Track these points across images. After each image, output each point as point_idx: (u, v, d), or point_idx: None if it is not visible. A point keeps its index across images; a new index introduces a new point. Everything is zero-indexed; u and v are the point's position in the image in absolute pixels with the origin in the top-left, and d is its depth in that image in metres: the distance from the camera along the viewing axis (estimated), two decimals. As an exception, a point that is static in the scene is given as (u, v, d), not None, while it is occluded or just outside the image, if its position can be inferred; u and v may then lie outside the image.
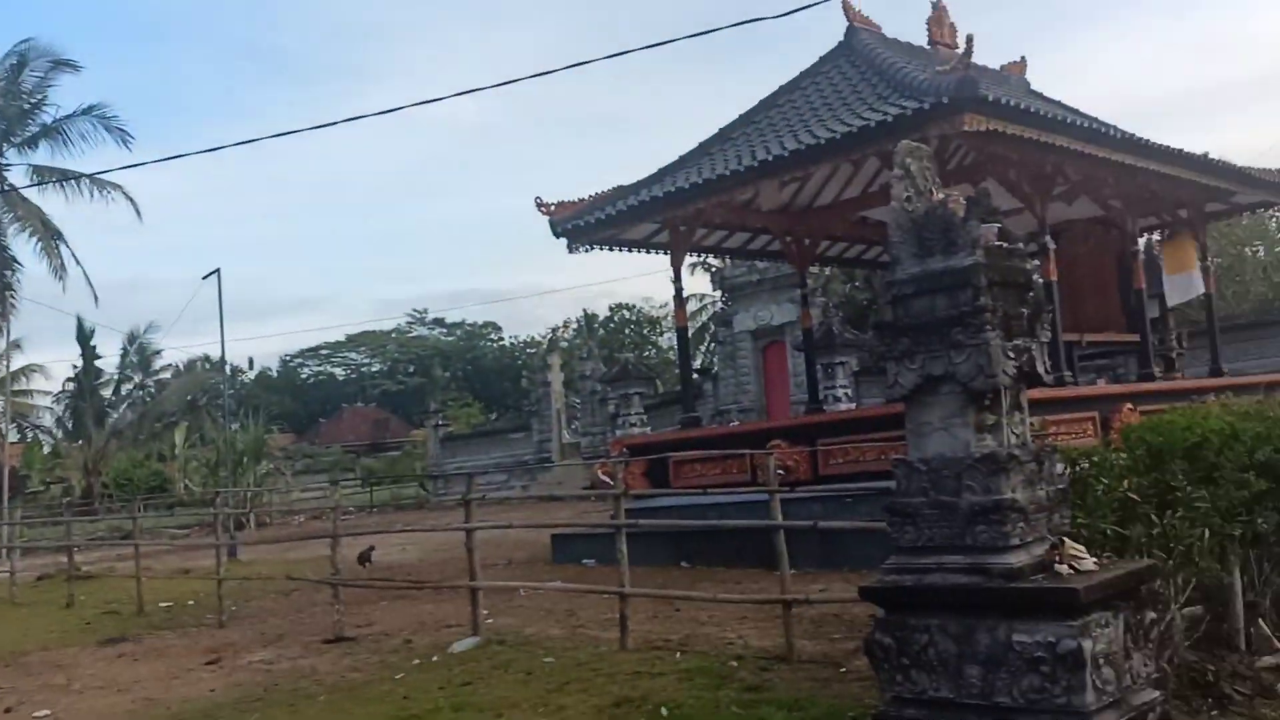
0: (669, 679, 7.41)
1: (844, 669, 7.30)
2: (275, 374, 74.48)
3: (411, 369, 72.38)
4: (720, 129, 16.10)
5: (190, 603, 14.11)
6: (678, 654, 8.22)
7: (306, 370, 77.60)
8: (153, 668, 9.93)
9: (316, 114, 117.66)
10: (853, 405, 25.73)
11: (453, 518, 24.97)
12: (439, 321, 77.83)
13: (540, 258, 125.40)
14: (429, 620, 11.18)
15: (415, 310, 78.33)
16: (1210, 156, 15.74)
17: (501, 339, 77.86)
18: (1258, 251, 33.83)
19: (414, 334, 76.92)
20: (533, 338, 73.69)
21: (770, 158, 13.42)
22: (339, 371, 77.53)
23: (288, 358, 76.33)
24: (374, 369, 75.70)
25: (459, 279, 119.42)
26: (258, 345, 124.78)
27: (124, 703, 8.53)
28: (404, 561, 16.84)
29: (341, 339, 75.64)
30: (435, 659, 9.03)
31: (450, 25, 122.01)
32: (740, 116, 16.12)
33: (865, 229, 18.25)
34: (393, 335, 75.73)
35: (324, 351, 76.44)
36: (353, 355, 76.87)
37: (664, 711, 6.55)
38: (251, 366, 59.05)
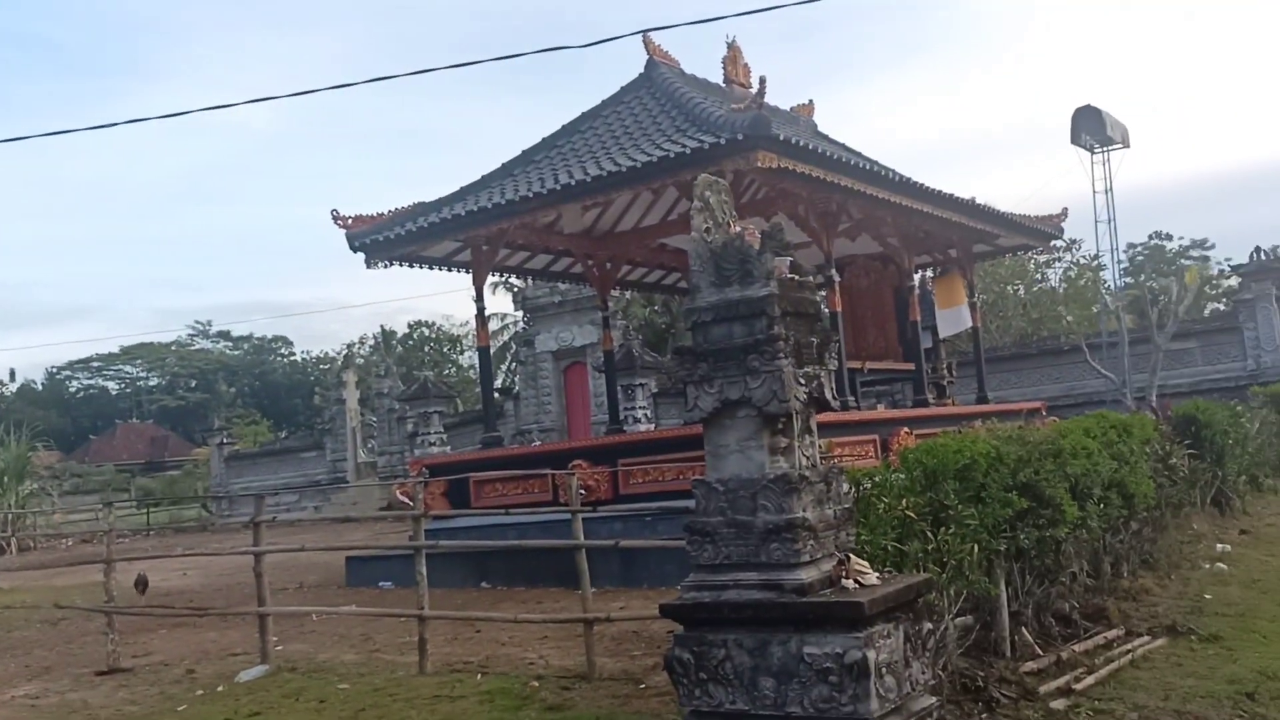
0: (470, 702, 7.40)
1: (644, 685, 7.49)
2: (40, 387, 68.76)
3: (194, 383, 68.55)
4: (523, 151, 16.22)
5: (-60, 635, 12.84)
6: (478, 675, 8.21)
7: (75, 383, 72.16)
8: (-107, 709, 9.01)
9: (88, 109, 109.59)
10: (652, 426, 26.33)
11: (239, 540, 23.82)
12: (224, 335, 74.30)
13: (335, 271, 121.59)
14: (213, 649, 10.66)
15: (199, 322, 74.47)
16: (977, 201, 17.15)
17: (293, 354, 75.05)
18: (1018, 290, 37.00)
19: (197, 347, 73.00)
20: (326, 353, 71.37)
21: (573, 182, 13.63)
22: (112, 385, 72.49)
23: (54, 370, 70.80)
24: (152, 383, 71.21)
25: (247, 290, 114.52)
26: (20, 356, 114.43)
27: None
28: (185, 587, 15.94)
29: (116, 350, 70.78)
30: (220, 689, 8.64)
31: (239, 26, 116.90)
32: (543, 140, 16.29)
33: (664, 255, 18.78)
34: (173, 348, 71.56)
35: (96, 364, 71.28)
36: (128, 368, 72.08)
37: (465, 735, 6.54)
38: (13, 378, 54.30)
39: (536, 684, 7.75)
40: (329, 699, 7.87)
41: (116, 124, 12.72)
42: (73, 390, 71.78)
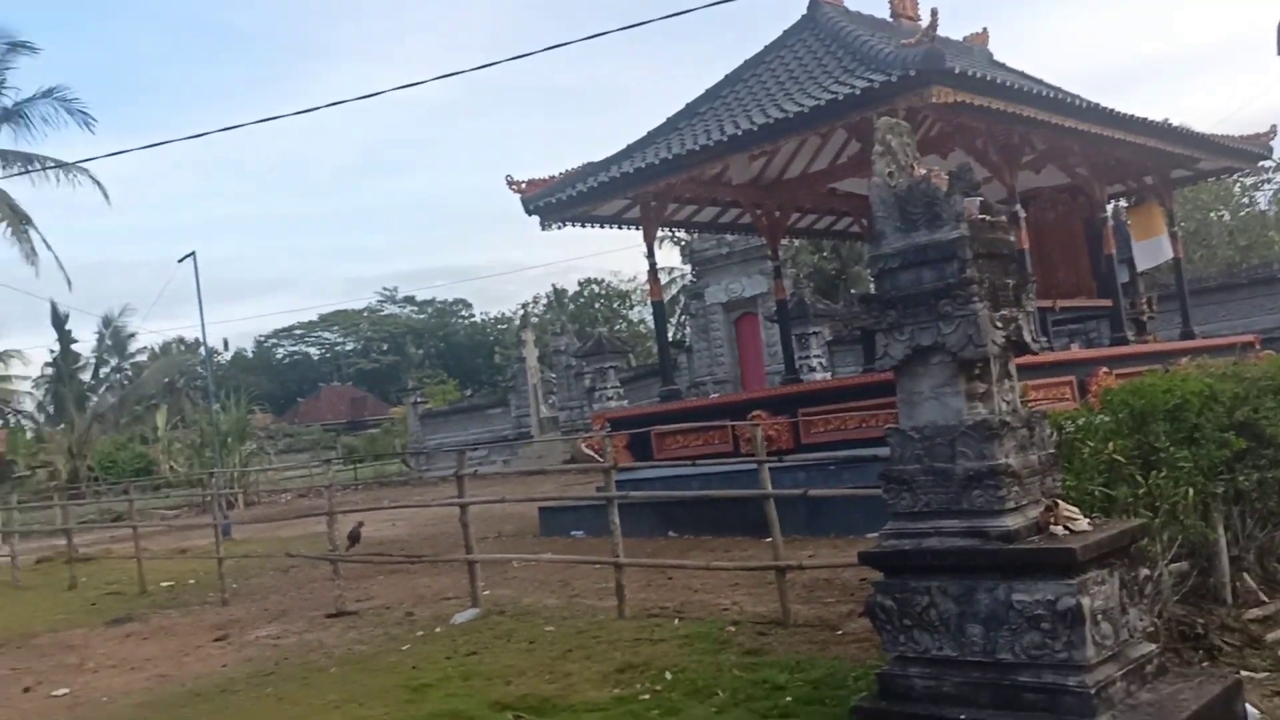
0: (669, 645, 7.68)
1: (840, 631, 7.59)
2: (250, 355, 74.10)
3: (385, 347, 72.25)
4: (688, 104, 16.21)
5: (191, 581, 14.24)
6: (675, 620, 8.49)
7: (281, 350, 77.27)
8: (162, 646, 10.10)
9: (274, 91, 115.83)
10: (827, 375, 26.11)
11: (437, 493, 25.27)
12: (409, 299, 77.78)
13: (509, 234, 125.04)
14: (427, 593, 11.40)
15: (385, 289, 78.26)
16: (1174, 124, 16.06)
17: (472, 316, 77.87)
18: (1223, 216, 34.45)
19: (385, 312, 76.76)
20: (503, 314, 73.79)
21: (739, 132, 13.55)
22: (313, 351, 77.27)
23: (262, 338, 76.04)
24: (348, 348, 75.49)
25: (427, 257, 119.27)
26: (231, 327, 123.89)
27: (139, 680, 8.71)
28: (394, 537, 17.03)
29: (314, 319, 75.35)
30: (438, 630, 9.26)
31: (403, 1, 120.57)
32: (707, 91, 16.22)
33: (835, 200, 18.47)
34: (365, 314, 75.51)
35: (298, 331, 76.14)
36: (326, 335, 76.63)
37: (668, 675, 6.81)
38: (226, 348, 58.82)
39: (733, 629, 7.97)
40: (537, 640, 8.32)
41: (318, 108, 13.54)
42: (279, 357, 77.01)
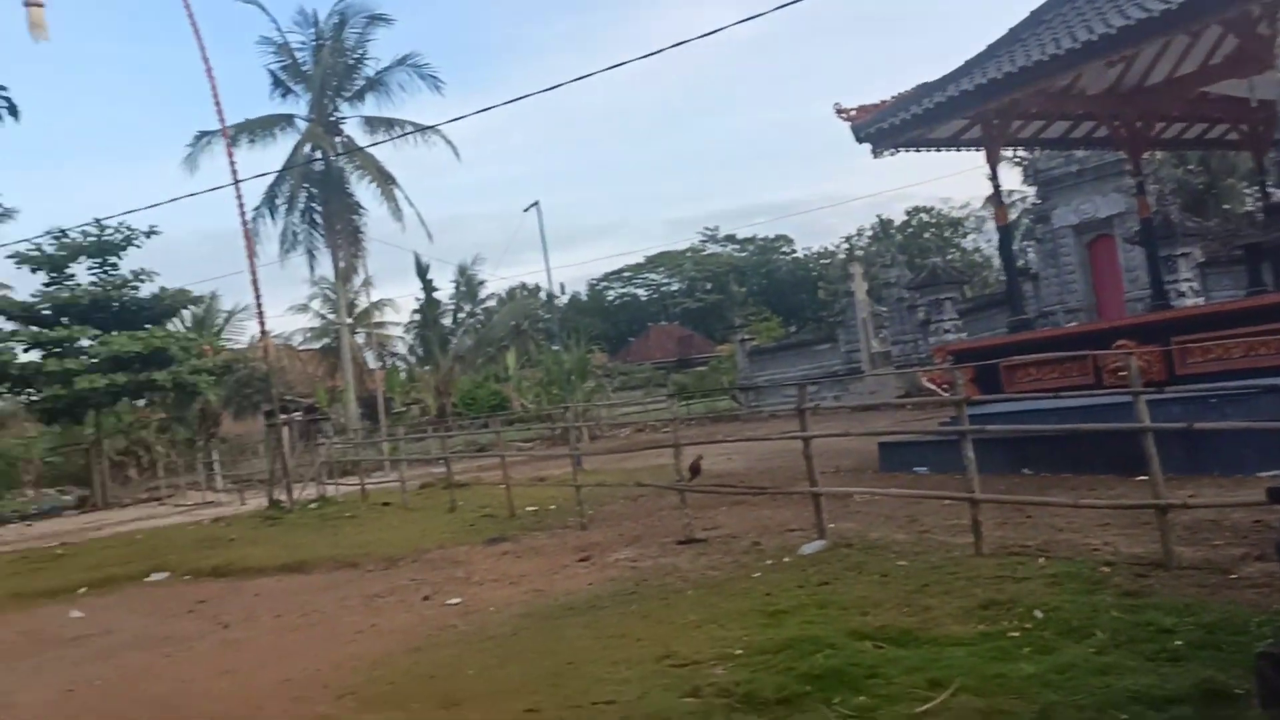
0: (1036, 583, 7.30)
1: (1233, 575, 6.88)
2: (584, 298, 78.49)
3: (709, 286, 73.79)
4: (1032, 12, 14.95)
5: (552, 507, 15.41)
6: (1039, 560, 8.05)
7: (611, 292, 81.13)
8: (534, 564, 11.05)
9: (593, 42, 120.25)
10: (1200, 300, 23.54)
11: (769, 428, 25.63)
12: (730, 238, 78.73)
13: (827, 168, 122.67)
14: (770, 524, 11.60)
15: (707, 229, 79.68)
16: None
17: (794, 251, 77.57)
18: None
19: (708, 252, 78.27)
20: (825, 248, 72.89)
21: (1094, 38, 12.32)
22: (641, 292, 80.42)
23: (594, 282, 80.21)
24: (673, 288, 77.86)
25: (746, 195, 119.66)
26: (566, 272, 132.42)
27: (518, 594, 9.58)
28: (731, 470, 17.46)
29: (641, 261, 78.38)
30: (786, 560, 9.38)
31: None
32: (1052, -4, 14.91)
33: (1205, 105, 16.54)
34: (688, 254, 77.41)
35: (626, 274, 79.51)
36: (652, 276, 79.42)
37: (1038, 614, 6.47)
38: (563, 291, 62.74)
39: (1106, 569, 7.44)
40: (890, 573, 8.21)
41: (657, 51, 13.84)
42: (610, 299, 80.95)
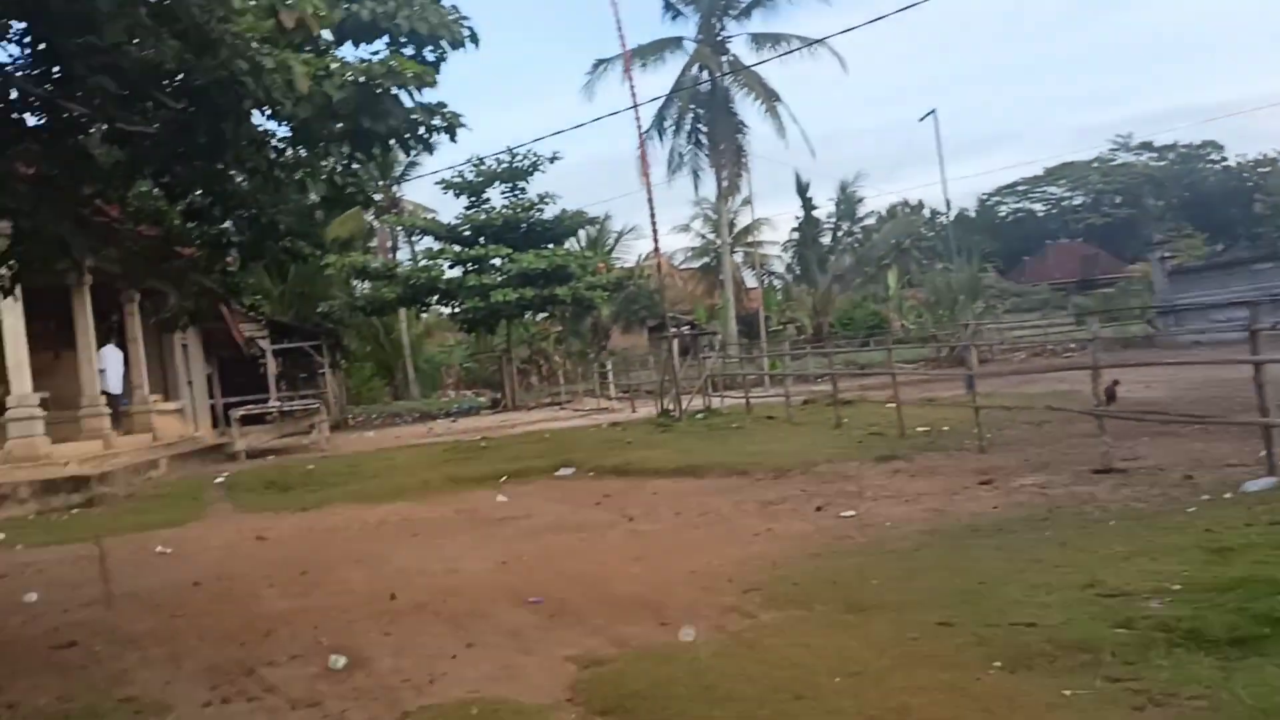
0: None
1: None
2: (973, 214, 74.41)
3: (1118, 199, 67.02)
4: None
5: (945, 429, 14.80)
6: None
7: (1004, 208, 76.26)
8: (930, 484, 10.67)
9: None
10: None
11: (1190, 355, 22.92)
12: (1146, 146, 70.56)
13: (1264, 60, 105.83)
14: (1204, 458, 10.35)
15: (1119, 136, 72.03)
16: None
17: (1224, 159, 68.15)
18: None
19: (1118, 161, 70.82)
20: (1264, 155, 63.29)
21: None
22: (1038, 207, 74.85)
23: (984, 196, 75.74)
24: (1075, 202, 71.59)
25: (1166, 97, 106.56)
26: (952, 186, 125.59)
27: (915, 511, 9.30)
28: (1150, 398, 15.78)
29: (1039, 173, 72.72)
30: (1227, 496, 8.33)
31: None
32: None
33: None
34: (1094, 165, 70.59)
35: (1021, 187, 74.27)
36: (1052, 189, 73.55)
37: None
38: (949, 208, 59.63)
39: None
40: (1365, 520, 6.99)
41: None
42: (1001, 215, 76.01)
